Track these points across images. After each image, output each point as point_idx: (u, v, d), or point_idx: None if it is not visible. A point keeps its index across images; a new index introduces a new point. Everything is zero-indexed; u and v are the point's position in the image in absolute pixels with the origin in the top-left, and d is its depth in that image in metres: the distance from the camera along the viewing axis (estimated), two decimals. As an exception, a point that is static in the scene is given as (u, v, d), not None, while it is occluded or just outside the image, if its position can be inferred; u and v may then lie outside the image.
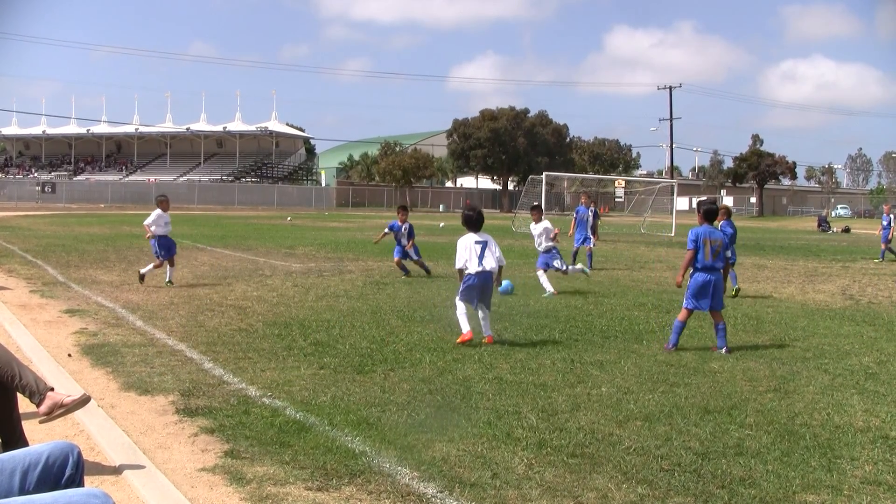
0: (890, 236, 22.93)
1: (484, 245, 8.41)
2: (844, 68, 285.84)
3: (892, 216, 23.04)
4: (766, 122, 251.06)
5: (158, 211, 13.30)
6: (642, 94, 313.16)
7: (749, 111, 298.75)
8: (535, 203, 14.99)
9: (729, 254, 10.65)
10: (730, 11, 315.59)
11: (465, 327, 8.21)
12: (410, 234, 14.90)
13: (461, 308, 8.33)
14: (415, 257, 15.07)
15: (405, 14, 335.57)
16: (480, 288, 8.31)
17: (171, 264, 13.16)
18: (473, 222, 8.53)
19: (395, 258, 15.08)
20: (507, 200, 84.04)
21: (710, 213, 8.50)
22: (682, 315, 8.34)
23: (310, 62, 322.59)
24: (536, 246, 13.24)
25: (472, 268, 8.32)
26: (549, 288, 12.60)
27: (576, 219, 17.94)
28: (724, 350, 8.13)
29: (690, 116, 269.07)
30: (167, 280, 13.02)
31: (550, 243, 12.95)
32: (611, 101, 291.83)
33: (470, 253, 8.38)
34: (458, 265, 8.46)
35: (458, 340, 8.14)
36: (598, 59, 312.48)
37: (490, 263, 8.35)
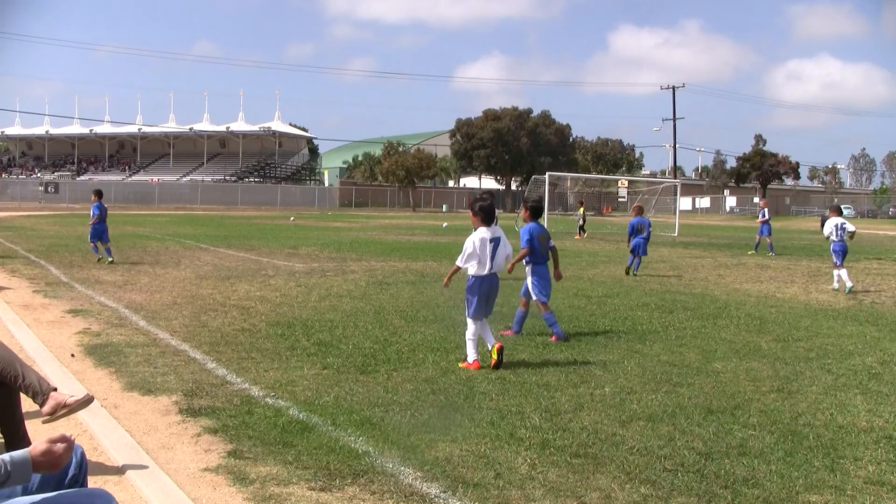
0: (764, 226, 24.05)
1: (497, 243, 7.31)
2: (851, 68, 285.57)
3: (766, 209, 24.65)
4: (771, 122, 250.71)
5: None
6: (646, 93, 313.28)
7: (753, 111, 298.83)
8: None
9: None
10: (736, 10, 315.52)
11: (473, 355, 7.18)
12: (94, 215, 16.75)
13: (472, 329, 7.23)
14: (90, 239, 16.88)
15: (412, 13, 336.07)
16: (488, 294, 7.33)
17: None
18: (490, 212, 7.39)
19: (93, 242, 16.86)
20: (510, 200, 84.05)
21: (536, 209, 9.20)
22: (546, 308, 8.80)
23: (315, 62, 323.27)
24: None
25: (482, 270, 7.25)
26: None
27: None
28: (556, 336, 8.61)
29: (694, 116, 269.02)
30: None
31: None
32: (615, 100, 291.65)
33: (483, 252, 7.24)
34: (463, 262, 7.30)
35: (463, 366, 7.19)
36: (603, 58, 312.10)
37: (499, 264, 7.41)
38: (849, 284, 13.99)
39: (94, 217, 16.74)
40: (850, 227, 14.69)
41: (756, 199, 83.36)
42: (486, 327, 7.41)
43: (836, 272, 14.43)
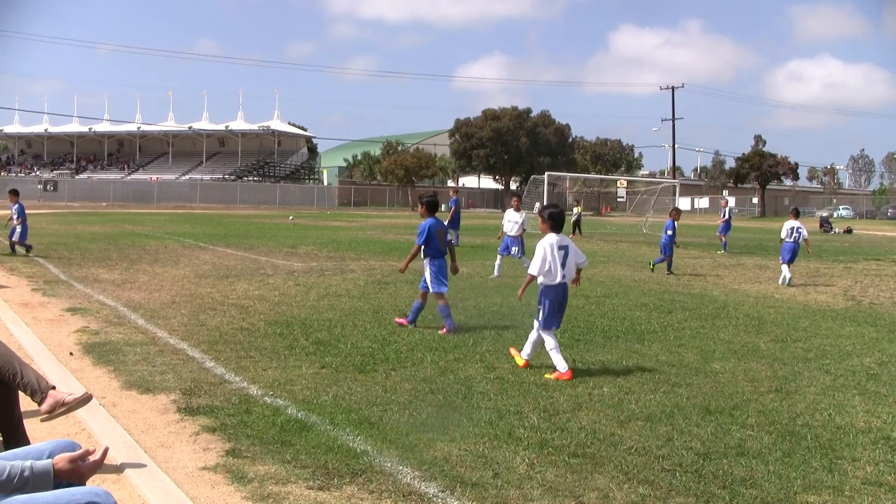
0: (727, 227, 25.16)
1: (566, 251, 7.16)
2: (852, 68, 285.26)
3: (728, 209, 25.72)
4: (771, 123, 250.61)
5: None
6: (646, 93, 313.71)
7: (753, 112, 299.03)
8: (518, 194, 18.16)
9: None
10: (737, 10, 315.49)
11: (564, 364, 6.90)
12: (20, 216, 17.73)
13: (550, 342, 7.03)
14: (19, 240, 17.71)
15: (413, 13, 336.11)
16: (560, 303, 7.19)
17: None
18: (560, 219, 7.31)
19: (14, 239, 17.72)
20: (509, 200, 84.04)
21: (432, 204, 9.27)
22: (442, 300, 8.99)
23: (316, 61, 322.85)
24: (508, 231, 15.54)
25: (552, 279, 7.10)
26: (497, 272, 15.03)
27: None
28: (447, 327, 8.84)
29: (694, 117, 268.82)
30: None
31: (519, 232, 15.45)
32: (615, 101, 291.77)
33: (554, 260, 7.10)
34: (536, 271, 7.11)
35: (553, 376, 6.84)
36: (604, 58, 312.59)
37: (571, 273, 7.24)
38: (787, 278, 15.21)
39: (19, 219, 17.68)
40: (804, 232, 15.83)
41: (755, 200, 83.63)
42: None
43: (783, 268, 15.57)
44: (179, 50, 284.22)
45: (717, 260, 21.57)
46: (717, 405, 6.05)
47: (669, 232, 17.02)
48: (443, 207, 25.25)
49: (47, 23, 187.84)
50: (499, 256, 15.40)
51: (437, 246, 9.04)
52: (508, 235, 15.48)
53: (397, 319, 9.37)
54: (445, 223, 22.99)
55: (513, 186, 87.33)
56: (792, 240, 15.52)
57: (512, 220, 15.51)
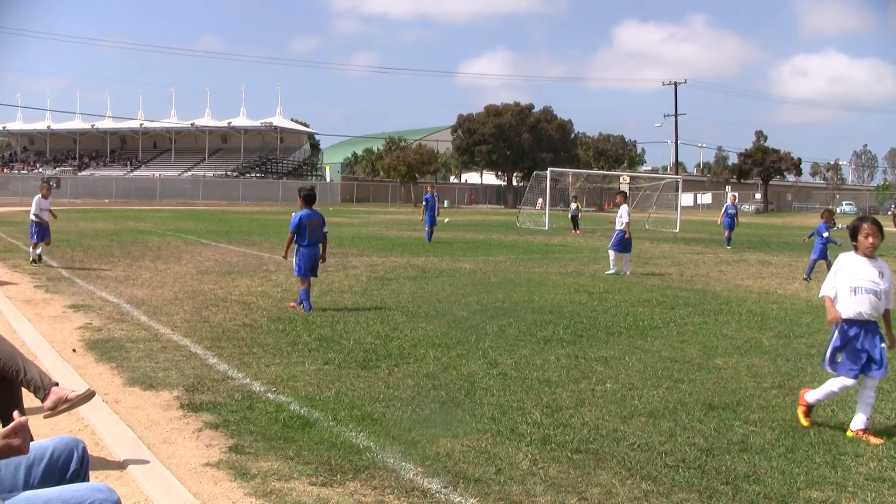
0: (735, 224, 25.53)
1: (880, 275, 5.41)
2: (857, 63, 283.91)
3: (737, 205, 26.24)
4: (775, 118, 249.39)
5: (38, 196, 15.60)
6: (650, 89, 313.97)
7: (757, 107, 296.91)
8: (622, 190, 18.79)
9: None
10: (742, 5, 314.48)
11: (864, 420, 5.30)
12: None
13: (839, 385, 5.38)
14: None
15: (418, 8, 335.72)
16: (863, 341, 5.37)
17: (47, 244, 15.55)
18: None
19: None
20: (511, 196, 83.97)
21: (309, 197, 10.12)
22: (303, 284, 9.88)
23: (319, 57, 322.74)
24: (619, 225, 15.97)
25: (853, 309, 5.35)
26: (613, 268, 15.71)
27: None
28: (303, 308, 9.75)
29: (698, 112, 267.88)
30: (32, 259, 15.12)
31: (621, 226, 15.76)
32: (618, 96, 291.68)
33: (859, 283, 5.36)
34: (828, 292, 5.47)
35: (874, 441, 5.18)
36: (608, 53, 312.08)
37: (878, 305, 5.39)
38: None
39: None
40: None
41: (758, 196, 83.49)
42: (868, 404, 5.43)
43: None
44: (182, 46, 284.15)
45: (720, 256, 21.55)
46: (719, 401, 6.05)
47: (826, 234, 15.69)
48: (446, 204, 25.17)
49: (49, 20, 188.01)
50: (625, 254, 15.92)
51: (307, 236, 9.81)
52: (618, 230, 15.89)
53: (290, 304, 10.08)
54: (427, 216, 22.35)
55: (515, 182, 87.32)
56: None
57: (622, 215, 15.96)
